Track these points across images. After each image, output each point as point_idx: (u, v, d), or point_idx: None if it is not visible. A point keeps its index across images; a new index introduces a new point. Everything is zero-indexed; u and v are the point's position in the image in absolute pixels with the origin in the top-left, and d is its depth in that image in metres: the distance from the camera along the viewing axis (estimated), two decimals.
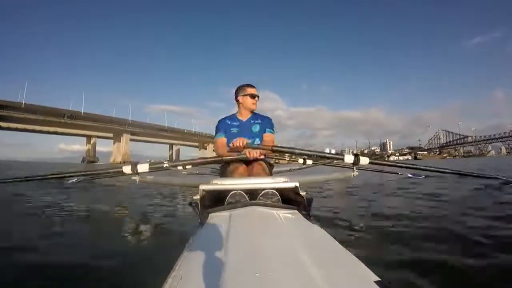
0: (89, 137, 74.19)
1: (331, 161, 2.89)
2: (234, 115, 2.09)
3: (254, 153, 1.66)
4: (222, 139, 1.98)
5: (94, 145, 75.34)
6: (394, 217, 1.91)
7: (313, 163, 3.04)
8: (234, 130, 2.00)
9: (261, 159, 1.79)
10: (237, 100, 2.05)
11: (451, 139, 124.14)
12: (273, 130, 2.05)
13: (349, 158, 1.61)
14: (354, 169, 1.67)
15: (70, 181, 3.95)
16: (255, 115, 2.07)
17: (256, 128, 2.01)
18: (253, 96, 1.99)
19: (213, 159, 1.81)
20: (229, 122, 2.04)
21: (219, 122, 2.07)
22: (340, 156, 1.68)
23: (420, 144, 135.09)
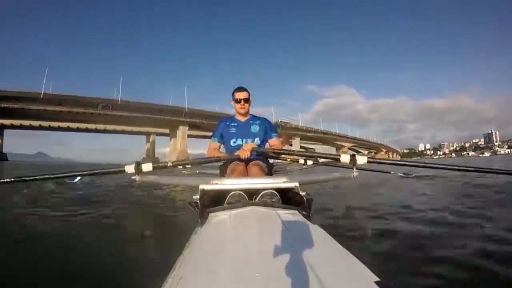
0: (148, 135, 61.65)
1: (332, 162, 2.91)
2: (233, 116, 2.19)
3: (247, 154, 1.77)
4: (214, 144, 2.13)
5: (153, 143, 63.28)
6: None
7: (313, 164, 2.93)
8: (233, 130, 2.10)
9: (259, 159, 1.87)
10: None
11: None
12: (276, 133, 2.17)
13: (345, 158, 1.58)
14: (354, 169, 1.64)
15: (74, 181, 4.09)
16: (252, 117, 2.18)
17: (256, 129, 2.10)
18: (238, 101, 2.07)
19: (213, 159, 1.85)
20: (228, 123, 2.14)
21: (218, 124, 2.20)
22: (337, 156, 1.66)
23: None
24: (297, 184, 1.10)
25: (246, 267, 0.56)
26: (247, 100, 2.07)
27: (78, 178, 3.82)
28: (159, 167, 1.57)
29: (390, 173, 4.40)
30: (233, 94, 2.10)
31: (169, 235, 1.66)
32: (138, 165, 1.51)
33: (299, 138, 68.38)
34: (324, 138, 78.05)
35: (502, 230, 1.80)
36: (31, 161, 62.85)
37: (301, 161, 2.85)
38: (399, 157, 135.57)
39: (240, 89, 2.10)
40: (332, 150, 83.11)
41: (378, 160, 1.67)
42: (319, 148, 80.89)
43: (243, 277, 0.53)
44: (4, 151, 52.57)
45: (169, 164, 1.60)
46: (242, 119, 2.14)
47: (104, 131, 58.66)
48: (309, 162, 2.85)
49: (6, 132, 52.63)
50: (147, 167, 1.53)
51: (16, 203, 3.23)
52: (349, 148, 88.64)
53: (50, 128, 54.18)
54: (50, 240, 1.57)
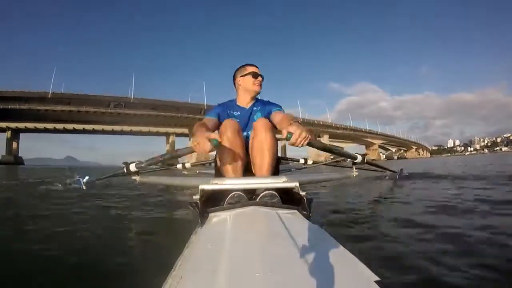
0: (167, 135, 59.37)
1: (331, 161, 2.97)
2: (233, 101, 1.72)
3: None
4: (208, 119, 1.56)
5: (173, 144, 59.01)
6: None
7: (313, 163, 2.94)
8: (235, 120, 1.59)
9: None
10: (235, 84, 1.71)
11: None
12: (281, 108, 1.65)
13: (350, 158, 1.52)
14: (354, 169, 1.61)
15: (84, 180, 3.99)
16: (257, 101, 1.70)
17: (259, 116, 1.62)
18: (255, 75, 1.62)
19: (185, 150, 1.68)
20: (229, 111, 1.66)
21: (218, 105, 1.72)
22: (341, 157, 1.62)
23: None
24: (297, 184, 1.08)
25: (246, 267, 0.55)
26: (262, 77, 1.63)
27: (85, 180, 3.76)
28: (152, 163, 1.51)
29: (387, 172, 4.51)
30: (240, 69, 1.67)
31: (169, 235, 1.65)
32: (134, 164, 1.47)
33: (327, 136, 62.91)
34: (354, 135, 72.05)
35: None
36: (53, 166, 61.74)
37: (301, 161, 2.84)
38: (428, 154, 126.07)
39: (252, 64, 1.66)
40: (361, 148, 77.03)
41: (376, 163, 1.60)
42: (347, 147, 74.89)
43: (243, 277, 0.52)
44: (20, 155, 51.52)
45: (143, 164, 1.56)
46: (245, 105, 1.67)
47: (121, 132, 56.74)
48: (309, 162, 2.84)
49: (28, 136, 51.51)
50: (132, 167, 1.49)
51: (20, 201, 3.29)
52: (379, 146, 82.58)
53: (65, 131, 52.77)
54: (50, 240, 1.57)
